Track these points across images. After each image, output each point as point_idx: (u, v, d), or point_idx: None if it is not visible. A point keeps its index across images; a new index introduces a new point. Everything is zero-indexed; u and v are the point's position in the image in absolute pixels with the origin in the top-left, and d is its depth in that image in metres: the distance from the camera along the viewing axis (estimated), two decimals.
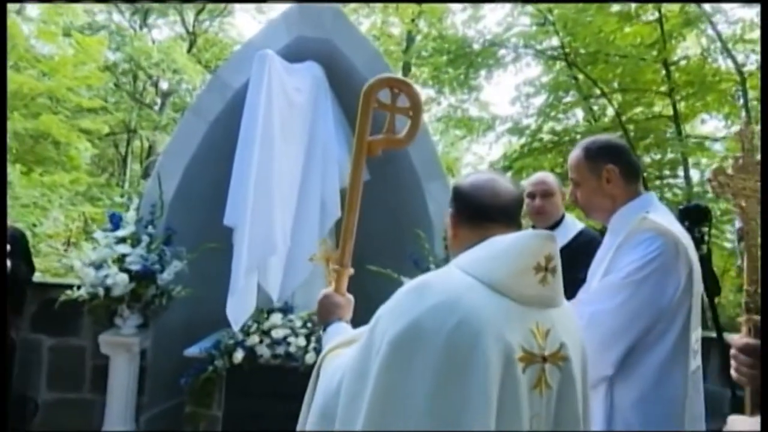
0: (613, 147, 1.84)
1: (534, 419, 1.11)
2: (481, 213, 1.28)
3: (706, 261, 2.33)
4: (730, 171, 1.39)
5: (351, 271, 1.63)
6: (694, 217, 2.98)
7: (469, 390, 1.03)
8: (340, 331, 1.49)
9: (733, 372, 1.25)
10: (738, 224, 1.39)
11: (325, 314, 1.57)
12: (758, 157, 1.41)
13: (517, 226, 1.30)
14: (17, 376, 3.66)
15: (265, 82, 3.25)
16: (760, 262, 1.32)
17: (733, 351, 1.25)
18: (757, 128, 1.55)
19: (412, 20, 10.05)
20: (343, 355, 1.30)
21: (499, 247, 1.17)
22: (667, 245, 1.59)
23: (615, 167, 1.76)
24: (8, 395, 3.48)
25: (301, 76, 3.67)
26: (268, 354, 3.30)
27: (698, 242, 2.32)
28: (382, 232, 4.00)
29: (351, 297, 1.63)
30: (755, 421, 1.16)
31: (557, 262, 1.17)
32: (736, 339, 1.27)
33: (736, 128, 1.43)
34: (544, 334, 1.15)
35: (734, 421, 1.22)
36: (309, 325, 3.39)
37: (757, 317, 1.28)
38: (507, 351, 1.07)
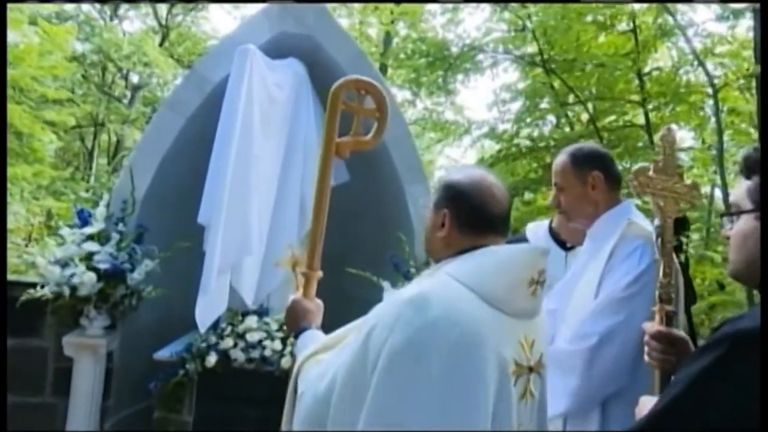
0: (599, 155, 1.90)
1: (521, 428, 1.14)
2: (484, 222, 1.22)
3: (684, 269, 2.38)
4: (651, 173, 1.52)
5: (320, 274, 1.59)
6: (676, 225, 3.02)
7: (471, 403, 1.03)
8: (314, 339, 1.43)
9: (645, 356, 1.39)
10: (656, 221, 1.48)
11: (295, 321, 1.52)
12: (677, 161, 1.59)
13: (507, 233, 1.29)
14: None
15: (245, 77, 3.15)
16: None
17: (646, 338, 1.39)
18: (677, 135, 1.76)
19: (392, 21, 10.02)
20: (324, 362, 1.25)
21: (496, 259, 1.16)
22: (654, 253, 1.62)
23: (600, 174, 1.81)
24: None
25: (282, 73, 3.59)
26: (243, 358, 3.20)
27: (676, 250, 2.37)
28: (363, 235, 3.94)
29: (320, 302, 1.59)
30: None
31: (546, 273, 1.20)
32: (650, 327, 1.40)
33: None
34: (531, 345, 1.18)
35: (644, 402, 1.30)
36: (285, 328, 3.31)
37: (669, 307, 1.42)
38: (503, 365, 1.09)
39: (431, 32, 9.76)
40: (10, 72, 8.81)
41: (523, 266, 1.16)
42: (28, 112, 9.06)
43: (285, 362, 3.13)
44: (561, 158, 1.88)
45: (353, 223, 3.96)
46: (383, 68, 11.25)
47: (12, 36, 9.95)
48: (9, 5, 9.86)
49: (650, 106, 7.91)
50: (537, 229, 2.55)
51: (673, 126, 9.00)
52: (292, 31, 3.81)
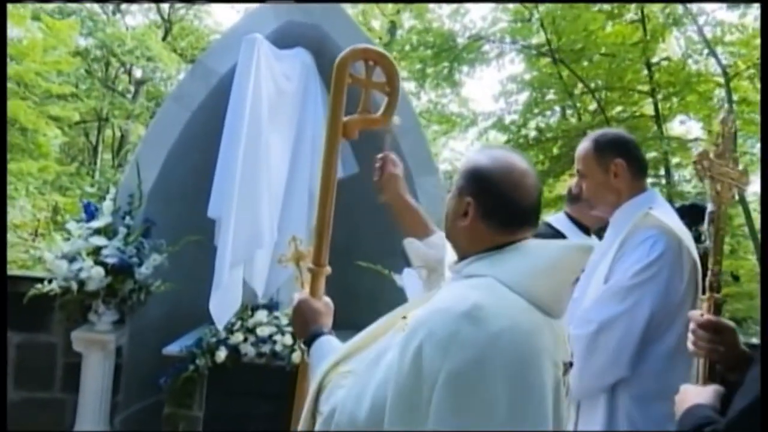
0: (623, 141, 1.83)
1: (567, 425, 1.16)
2: (515, 216, 1.10)
3: (703, 260, 2.35)
4: (711, 156, 1.44)
5: (328, 270, 1.42)
6: (692, 216, 2.98)
7: (539, 418, 0.98)
8: (330, 346, 1.26)
9: (690, 345, 1.35)
10: (711, 207, 1.41)
11: (305, 324, 1.33)
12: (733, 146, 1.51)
13: (537, 224, 1.16)
14: None
15: (252, 67, 3.09)
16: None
17: (692, 326, 1.35)
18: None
19: (397, 11, 9.94)
20: (354, 377, 1.12)
21: (543, 260, 1.06)
22: (669, 244, 1.61)
23: (623, 161, 1.75)
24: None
25: (290, 63, 3.53)
26: (253, 353, 3.16)
27: (695, 241, 2.34)
28: (373, 227, 3.89)
29: (329, 301, 1.43)
30: (706, 390, 1.26)
31: None
32: (697, 315, 1.36)
33: (718, 118, 1.48)
34: (566, 342, 1.14)
35: (686, 390, 1.28)
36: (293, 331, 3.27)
37: (718, 296, 1.38)
38: (557, 373, 1.04)
39: (436, 23, 9.68)
40: (15, 68, 8.80)
41: (571, 267, 1.09)
42: (33, 108, 9.04)
43: (296, 357, 3.09)
44: (584, 144, 1.84)
45: (361, 215, 3.91)
46: None
47: (16, 32, 9.92)
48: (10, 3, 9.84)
49: (659, 96, 7.82)
50: (558, 222, 2.52)
51: (682, 117, 8.91)
52: (298, 21, 3.75)
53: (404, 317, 1.15)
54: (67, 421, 3.46)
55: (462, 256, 1.16)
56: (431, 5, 9.97)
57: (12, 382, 3.69)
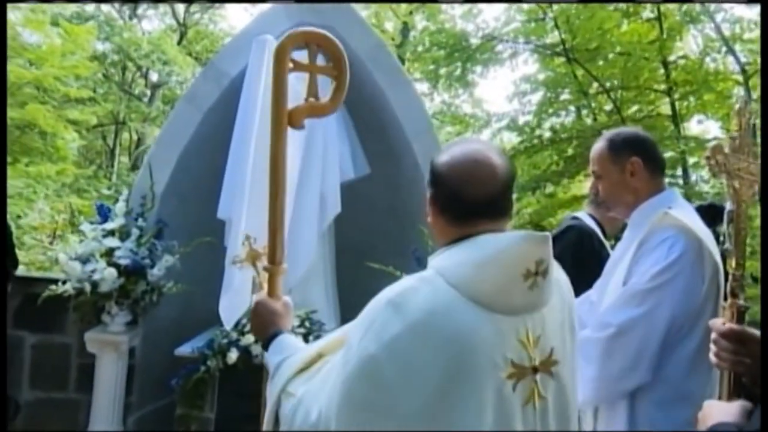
0: (639, 139, 1.78)
1: None
2: (464, 208, 1.09)
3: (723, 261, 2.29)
4: (727, 150, 1.32)
5: (284, 268, 1.38)
6: (710, 216, 2.91)
7: (461, 416, 0.95)
8: (285, 347, 1.23)
9: (713, 357, 1.23)
10: (729, 206, 1.30)
11: (262, 326, 1.30)
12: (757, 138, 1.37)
13: (508, 215, 1.13)
14: None
15: (263, 69, 3.09)
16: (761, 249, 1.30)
17: (714, 336, 1.23)
18: (757, 107, 1.51)
19: (410, 12, 9.92)
20: (313, 386, 1.10)
21: (486, 253, 1.03)
22: (689, 244, 1.55)
23: (639, 160, 1.70)
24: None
25: None
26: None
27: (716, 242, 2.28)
28: (384, 228, 3.88)
29: (289, 300, 1.38)
30: (731, 406, 1.15)
31: (549, 262, 1.06)
32: (718, 324, 1.24)
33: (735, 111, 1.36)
34: (535, 342, 1.05)
35: (710, 406, 1.19)
36: (307, 324, 3.26)
37: (741, 302, 1.25)
38: (497, 373, 1.00)
39: (449, 23, 9.64)
40: (34, 72, 8.95)
41: (516, 260, 1.02)
42: (52, 112, 9.17)
43: None
44: (598, 144, 1.79)
45: (373, 216, 3.90)
46: (400, 61, 11.18)
47: (35, 37, 10.10)
48: (22, 6, 10.01)
49: (676, 96, 7.70)
50: (583, 217, 2.49)
51: (700, 117, 8.76)
52: (309, 22, 3.75)
53: None
54: (81, 421, 3.49)
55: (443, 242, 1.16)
56: (444, 6, 9.95)
57: (27, 382, 3.74)
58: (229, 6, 13.92)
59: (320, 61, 1.45)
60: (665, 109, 8.24)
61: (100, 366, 3.31)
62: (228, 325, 3.04)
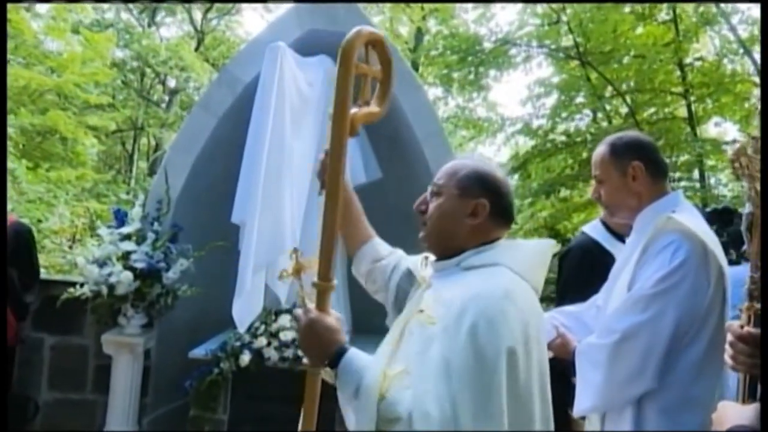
0: (640, 143, 1.79)
1: None
2: (510, 212, 1.32)
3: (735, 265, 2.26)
4: (750, 152, 1.27)
5: (334, 285, 1.25)
6: (724, 220, 2.88)
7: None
8: (361, 360, 1.17)
9: (728, 359, 1.22)
10: (748, 208, 1.27)
11: (322, 344, 1.19)
12: None
13: None
14: (18, 376, 3.57)
15: (276, 75, 3.15)
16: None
17: (731, 339, 1.21)
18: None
19: (423, 18, 9.95)
20: (415, 376, 1.10)
21: (540, 255, 1.31)
22: (693, 249, 1.55)
23: (641, 164, 1.71)
24: (7, 395, 3.39)
25: (313, 70, 3.57)
26: (276, 357, 3.20)
27: (727, 246, 2.25)
28: (395, 233, 3.88)
29: (340, 316, 1.32)
30: (747, 409, 1.14)
31: None
32: (735, 327, 1.22)
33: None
34: None
35: (725, 407, 1.18)
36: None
37: (759, 305, 1.21)
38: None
39: (463, 27, 9.65)
40: (55, 80, 9.13)
41: (546, 262, 1.32)
42: (72, 118, 9.35)
43: None
44: (600, 149, 1.80)
45: (384, 221, 3.91)
46: (414, 65, 11.20)
47: (56, 44, 10.32)
48: (44, 14, 10.22)
49: (692, 98, 7.61)
50: (593, 230, 2.48)
51: (717, 119, 8.63)
52: (322, 29, 3.80)
53: (421, 311, 1.22)
54: (98, 421, 3.55)
55: (452, 252, 1.29)
56: (457, 10, 9.97)
57: (46, 383, 3.82)
58: (245, 12, 14.08)
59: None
60: (682, 111, 8.16)
61: (116, 367, 3.37)
62: (241, 328, 3.07)
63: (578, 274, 2.43)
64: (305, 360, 1.23)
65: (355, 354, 1.18)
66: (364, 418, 1.08)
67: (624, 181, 1.72)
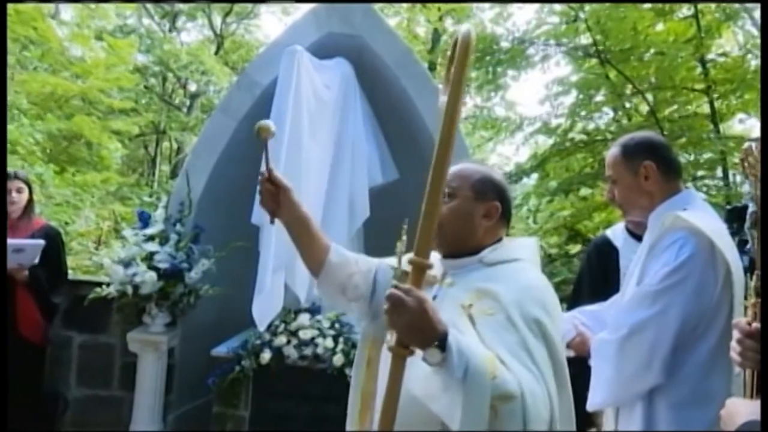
0: (652, 143, 1.81)
1: None
2: (511, 215, 1.45)
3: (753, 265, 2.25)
4: (756, 152, 1.31)
5: (432, 263, 1.17)
6: (743, 217, 2.85)
7: None
8: (466, 342, 1.12)
9: (735, 356, 1.24)
10: (752, 207, 1.30)
11: (432, 324, 1.08)
12: None
13: None
14: (48, 372, 3.69)
15: (293, 78, 3.21)
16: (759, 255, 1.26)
17: (738, 335, 1.23)
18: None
19: (440, 18, 9.95)
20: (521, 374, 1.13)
21: (536, 251, 1.45)
22: (700, 245, 1.57)
23: (653, 164, 1.73)
24: (41, 391, 3.50)
25: (330, 73, 3.63)
26: (296, 355, 3.25)
27: (746, 243, 2.24)
28: (410, 233, 3.93)
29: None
30: (757, 404, 1.15)
31: None
32: (743, 324, 1.24)
33: None
34: None
35: (734, 404, 1.19)
36: (337, 326, 3.34)
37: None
38: None
39: (480, 27, 9.63)
40: (80, 85, 9.36)
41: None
42: (97, 123, 9.57)
43: (337, 360, 3.16)
44: (612, 150, 1.83)
45: (399, 221, 3.95)
46: (432, 66, 11.21)
47: (80, 50, 10.57)
48: (69, 21, 10.46)
49: (716, 95, 7.48)
50: (615, 230, 2.51)
51: (742, 116, 8.47)
52: (339, 32, 3.85)
53: (470, 305, 1.26)
54: (124, 417, 3.65)
55: (467, 250, 1.38)
56: (474, 10, 9.95)
57: (75, 380, 3.94)
58: (264, 16, 14.24)
59: None
60: (704, 108, 8.02)
61: (141, 365, 3.47)
62: (261, 326, 3.14)
63: (590, 274, 2.46)
64: (392, 339, 1.10)
65: (456, 334, 1.11)
66: (477, 398, 1.05)
67: (636, 181, 1.74)
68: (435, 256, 1.41)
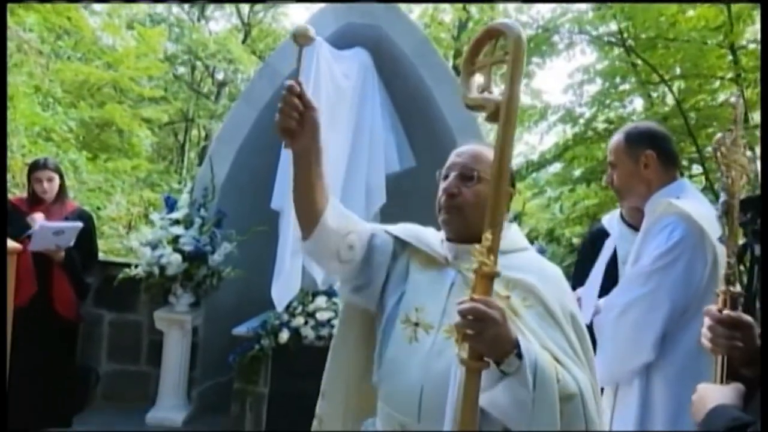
0: (654, 133, 1.88)
1: None
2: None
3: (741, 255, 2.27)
4: (728, 142, 1.36)
5: (499, 270, 1.06)
6: (757, 206, 2.86)
7: None
8: (535, 346, 1.11)
9: (706, 342, 1.25)
10: (723, 197, 1.32)
11: (509, 335, 1.04)
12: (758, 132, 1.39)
13: None
14: (81, 348, 3.89)
15: (312, 68, 3.30)
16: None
17: (709, 322, 1.25)
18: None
19: (464, 7, 9.90)
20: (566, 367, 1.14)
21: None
22: (689, 230, 1.64)
23: (653, 153, 1.80)
24: (75, 364, 3.69)
25: (349, 63, 3.71)
26: (313, 335, 3.38)
27: (755, 235, 2.26)
28: (428, 221, 4.00)
29: None
30: (728, 389, 1.18)
31: None
32: (713, 311, 1.26)
33: None
34: None
35: (705, 389, 1.21)
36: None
37: (735, 289, 1.28)
38: None
39: (503, 15, 9.56)
40: (111, 74, 9.62)
41: None
42: (128, 111, 9.84)
43: None
44: (616, 137, 1.91)
45: (418, 209, 4.03)
46: (458, 53, 11.16)
47: (111, 40, 10.84)
48: (100, 11, 10.72)
49: (745, 83, 7.30)
50: (611, 218, 2.55)
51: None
52: (358, 21, 3.92)
53: (508, 296, 1.19)
54: (151, 391, 3.85)
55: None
56: None
57: (105, 355, 4.15)
58: (291, 5, 14.32)
59: None
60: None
61: (167, 342, 3.65)
62: (279, 307, 3.27)
63: (581, 260, 2.50)
64: (466, 354, 1.03)
65: (523, 339, 1.08)
66: (548, 403, 1.05)
67: (636, 168, 1.81)
68: (436, 236, 1.42)
